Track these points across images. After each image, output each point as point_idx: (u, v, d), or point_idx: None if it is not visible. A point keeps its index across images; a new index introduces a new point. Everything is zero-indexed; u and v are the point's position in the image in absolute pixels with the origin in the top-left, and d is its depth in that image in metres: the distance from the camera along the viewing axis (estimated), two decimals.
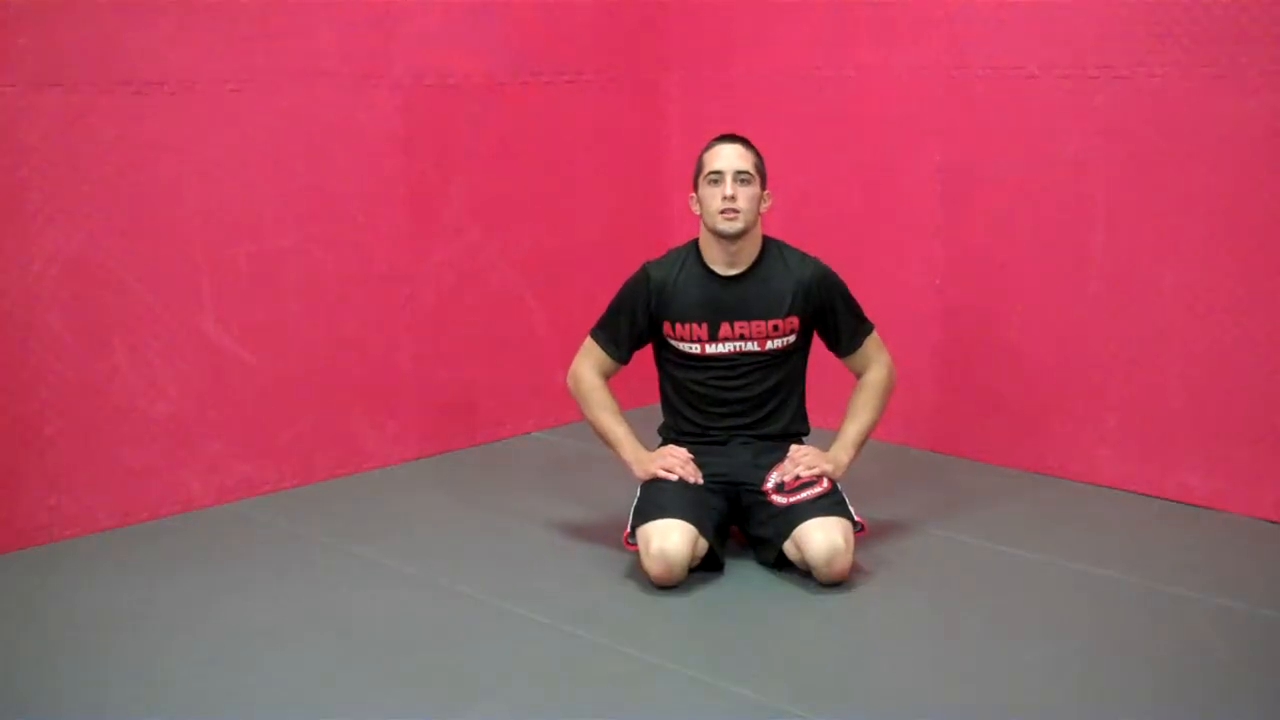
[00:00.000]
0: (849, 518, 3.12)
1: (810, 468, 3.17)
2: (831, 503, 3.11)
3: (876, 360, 3.33)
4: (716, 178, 3.17)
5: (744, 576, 3.17)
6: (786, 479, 3.14)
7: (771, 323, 3.21)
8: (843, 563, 3.04)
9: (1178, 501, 3.62)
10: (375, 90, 3.89)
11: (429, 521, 3.58)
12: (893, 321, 4.09)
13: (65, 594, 3.14)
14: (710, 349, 3.22)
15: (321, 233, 3.83)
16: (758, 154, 3.23)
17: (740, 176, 3.16)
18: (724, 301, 3.21)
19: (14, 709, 2.60)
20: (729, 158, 3.18)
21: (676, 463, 3.18)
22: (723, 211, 3.16)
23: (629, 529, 3.14)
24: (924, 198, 4.02)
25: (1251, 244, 3.43)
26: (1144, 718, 2.53)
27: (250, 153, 3.67)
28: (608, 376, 3.33)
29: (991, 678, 2.69)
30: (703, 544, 3.08)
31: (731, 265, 3.22)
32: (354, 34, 3.82)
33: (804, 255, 3.29)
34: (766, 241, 3.28)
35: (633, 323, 3.27)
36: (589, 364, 3.32)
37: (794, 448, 3.25)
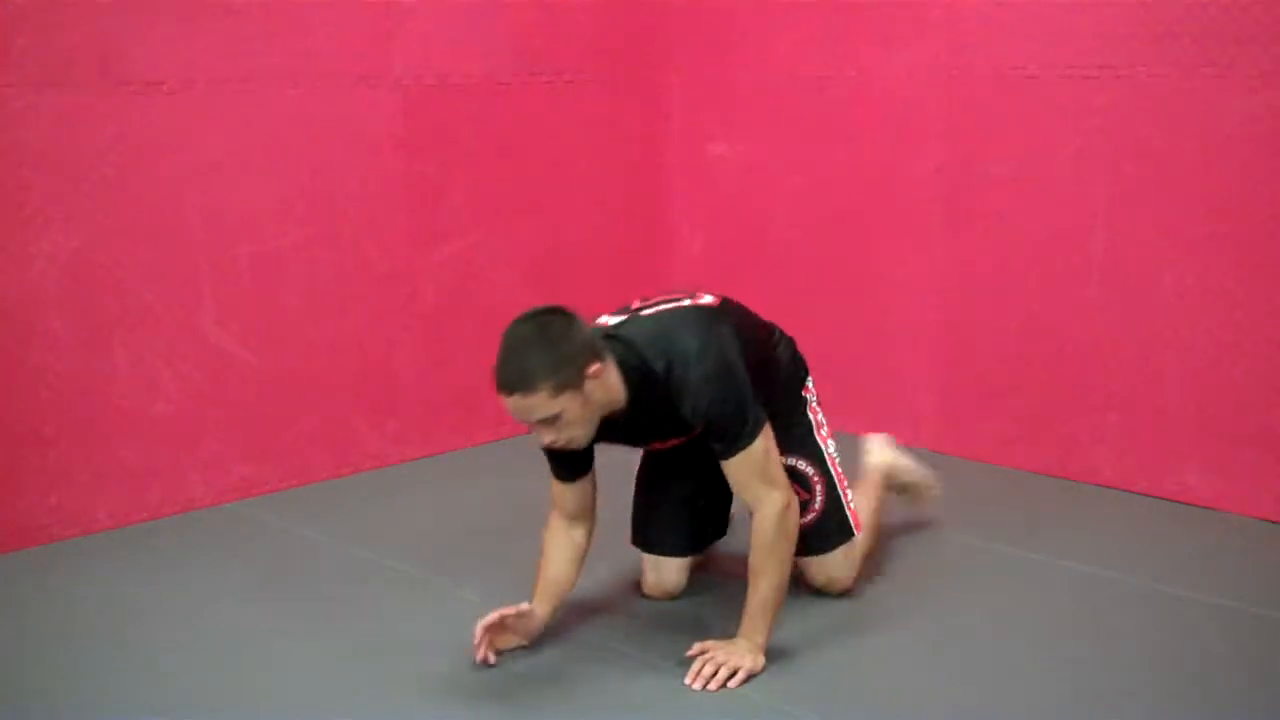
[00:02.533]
0: (849, 535, 3.00)
1: (728, 672, 2.65)
2: (832, 530, 2.99)
3: (759, 496, 2.67)
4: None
5: (744, 576, 3.17)
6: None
7: (681, 438, 2.85)
8: (842, 584, 3.03)
9: (1178, 501, 3.62)
10: (375, 90, 3.89)
11: (429, 521, 3.58)
12: (893, 321, 4.10)
13: (65, 594, 3.14)
14: (641, 448, 3.00)
15: (321, 233, 3.83)
16: (550, 375, 2.50)
17: (544, 420, 2.55)
18: (627, 432, 2.80)
19: (14, 709, 2.60)
20: (519, 412, 2.54)
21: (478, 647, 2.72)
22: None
23: (631, 533, 3.12)
24: (924, 198, 4.02)
25: (1251, 244, 3.43)
26: (1144, 718, 2.53)
27: (250, 153, 3.67)
28: (574, 508, 2.86)
29: (991, 677, 2.69)
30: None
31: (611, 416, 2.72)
32: (354, 34, 3.82)
33: (672, 365, 2.63)
34: (628, 374, 2.66)
35: (560, 457, 2.82)
36: (553, 505, 2.89)
37: (701, 657, 2.68)
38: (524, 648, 2.77)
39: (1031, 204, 3.81)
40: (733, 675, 2.64)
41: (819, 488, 2.96)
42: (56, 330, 3.38)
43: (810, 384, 3.06)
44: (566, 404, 2.53)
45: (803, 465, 2.95)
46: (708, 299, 2.84)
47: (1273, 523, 3.48)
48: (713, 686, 2.62)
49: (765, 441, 2.66)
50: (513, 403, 2.53)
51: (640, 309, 2.80)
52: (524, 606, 2.73)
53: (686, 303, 2.79)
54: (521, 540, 3.43)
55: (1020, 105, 3.78)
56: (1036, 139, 3.77)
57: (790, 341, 3.07)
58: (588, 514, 2.89)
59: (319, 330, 3.87)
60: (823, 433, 3.01)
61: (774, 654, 2.79)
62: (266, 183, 3.71)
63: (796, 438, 2.95)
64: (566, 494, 2.85)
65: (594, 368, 2.56)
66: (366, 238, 3.93)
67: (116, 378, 3.49)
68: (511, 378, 2.52)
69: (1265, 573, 3.18)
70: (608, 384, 2.62)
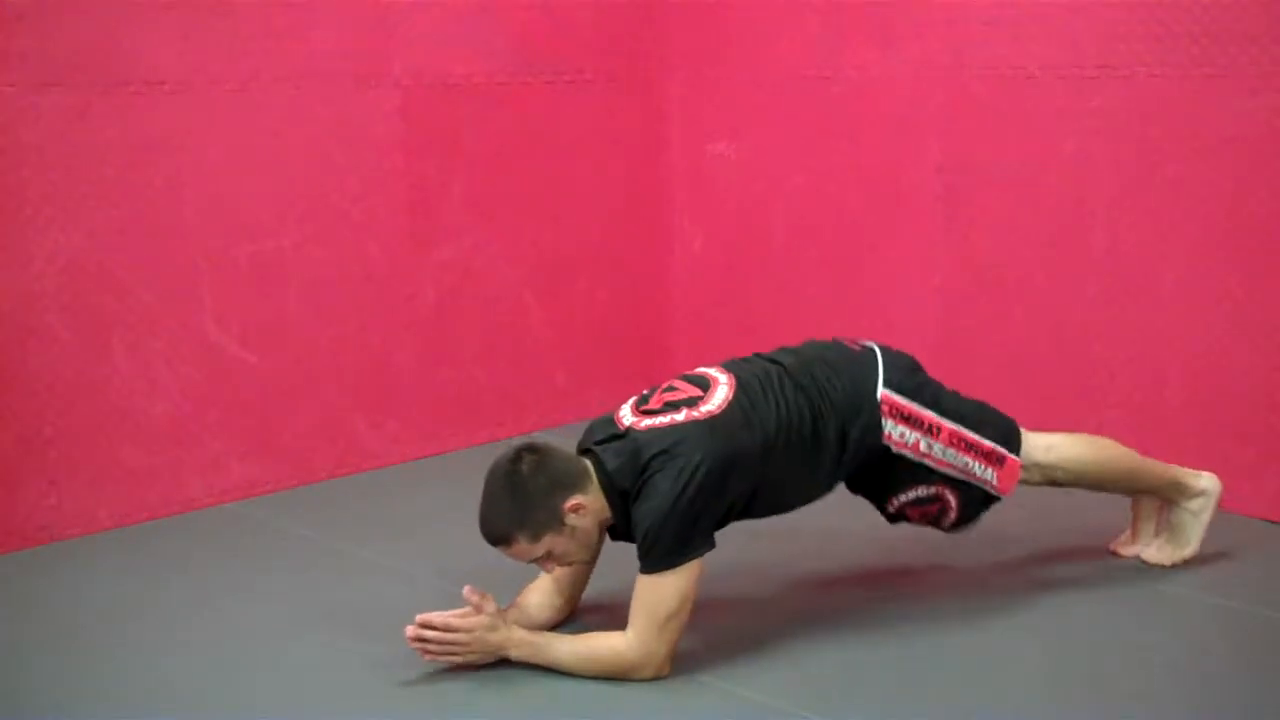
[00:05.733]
0: (994, 500, 2.99)
1: (453, 660, 2.66)
2: (975, 512, 3.01)
3: (632, 622, 2.63)
4: None
5: (744, 576, 3.17)
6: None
7: None
8: None
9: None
10: (375, 90, 3.89)
11: (429, 521, 3.58)
12: (892, 322, 4.09)
13: (65, 594, 3.14)
14: None
15: (321, 233, 3.83)
16: (523, 525, 2.60)
17: (537, 559, 2.66)
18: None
19: (14, 709, 2.60)
20: (511, 558, 2.68)
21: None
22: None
23: None
24: (924, 198, 4.02)
25: (1251, 244, 3.43)
26: (1143, 718, 2.53)
27: (250, 153, 3.67)
28: (558, 578, 2.87)
29: (991, 677, 2.69)
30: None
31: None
32: (354, 34, 3.82)
33: (640, 494, 2.64)
34: (610, 497, 2.69)
35: None
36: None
37: (453, 619, 2.65)
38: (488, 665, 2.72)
39: (1031, 204, 3.81)
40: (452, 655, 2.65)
41: (947, 497, 2.93)
42: (56, 330, 3.38)
43: (890, 430, 2.85)
44: (551, 543, 2.63)
45: (920, 491, 2.92)
46: (718, 397, 2.74)
47: (1273, 523, 3.48)
48: (427, 657, 2.64)
49: (673, 584, 2.60)
50: (500, 551, 2.67)
51: (643, 420, 2.73)
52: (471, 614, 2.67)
53: (683, 417, 2.70)
54: None
55: (1020, 105, 3.78)
56: (1036, 139, 3.77)
57: (859, 404, 2.85)
58: (576, 581, 2.89)
59: (319, 330, 3.87)
60: (923, 447, 2.88)
61: (776, 654, 2.79)
62: (266, 183, 3.71)
63: (902, 474, 2.90)
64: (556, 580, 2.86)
65: (571, 503, 2.62)
66: (366, 238, 3.93)
67: (116, 378, 3.49)
68: (491, 535, 2.66)
69: (1265, 573, 3.18)
70: (595, 509, 2.67)
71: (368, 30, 3.85)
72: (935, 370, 4.06)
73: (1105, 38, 3.60)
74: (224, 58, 3.58)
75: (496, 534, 2.64)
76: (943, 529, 3.01)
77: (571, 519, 2.63)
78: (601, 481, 2.69)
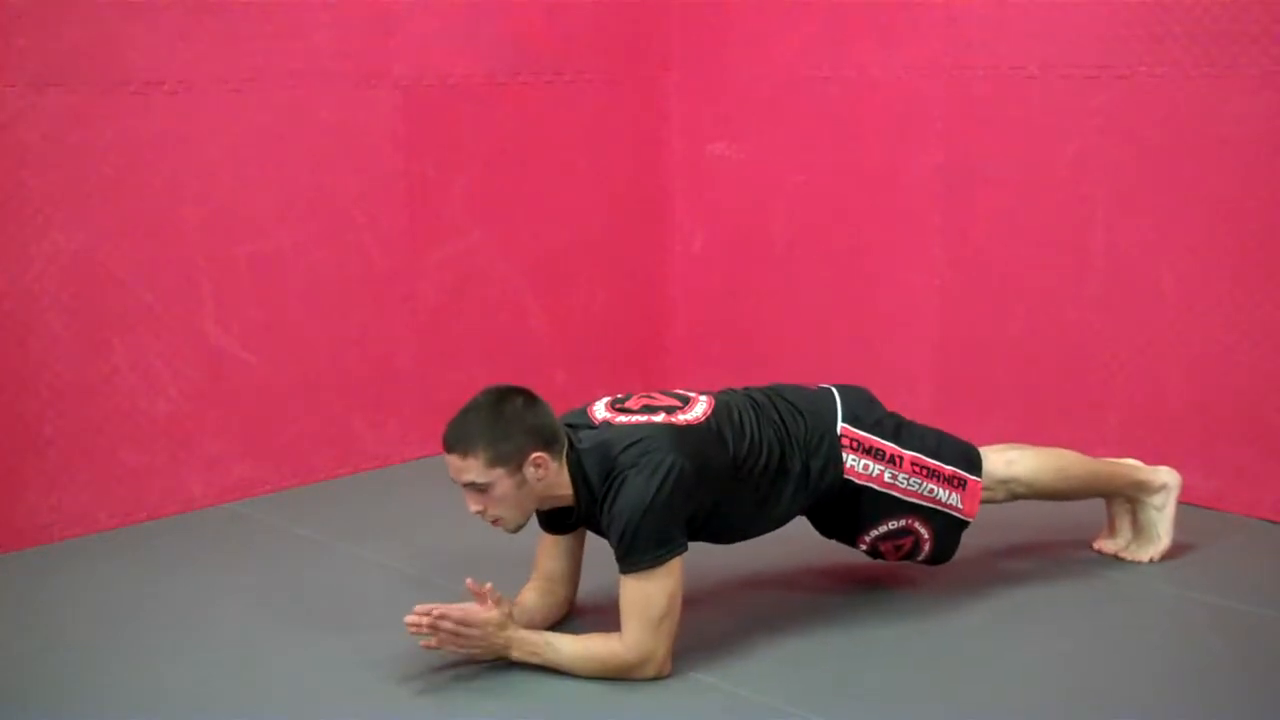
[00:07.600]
0: (965, 524, 3.01)
1: (457, 652, 2.66)
2: (954, 540, 3.04)
3: (625, 628, 2.64)
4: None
5: (744, 575, 3.17)
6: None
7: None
8: None
9: (1178, 502, 3.61)
10: (375, 90, 3.89)
11: (429, 521, 3.59)
12: (892, 321, 4.10)
13: (66, 593, 3.14)
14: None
15: (321, 233, 3.83)
16: (489, 444, 2.58)
17: (473, 486, 2.62)
18: (583, 523, 2.84)
19: (14, 709, 2.60)
20: (453, 471, 2.63)
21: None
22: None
23: None
24: (924, 198, 4.02)
25: (1252, 244, 3.43)
26: (1143, 718, 2.53)
27: (250, 153, 3.67)
28: (555, 569, 2.89)
29: (991, 677, 2.69)
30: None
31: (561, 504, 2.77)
32: (354, 34, 3.82)
33: (609, 490, 2.64)
34: (574, 479, 2.69)
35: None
36: (534, 569, 2.93)
37: (472, 614, 2.62)
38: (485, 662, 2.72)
39: (1031, 204, 3.81)
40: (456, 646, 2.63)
41: (918, 528, 2.96)
42: (56, 330, 3.38)
43: (852, 464, 2.88)
44: (498, 480, 2.61)
45: (890, 524, 2.95)
46: (697, 411, 2.78)
47: (1273, 523, 3.48)
48: (423, 644, 2.62)
49: (659, 585, 2.61)
50: (450, 460, 2.63)
51: (619, 416, 2.76)
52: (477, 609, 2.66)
53: (660, 419, 2.73)
54: (520, 539, 3.43)
55: (1020, 105, 3.78)
56: (1036, 139, 3.77)
57: (821, 439, 2.88)
58: (567, 579, 2.91)
59: (319, 330, 3.87)
60: (887, 478, 2.91)
61: (772, 653, 2.80)
62: (266, 183, 3.71)
63: (870, 507, 2.94)
64: (550, 550, 2.88)
65: (536, 455, 2.62)
66: (366, 238, 3.93)
67: (116, 378, 3.49)
68: (453, 437, 2.63)
69: (1265, 573, 3.18)
70: (550, 479, 2.66)
71: (368, 30, 3.85)
72: (935, 370, 4.07)
73: (1105, 38, 3.60)
74: (223, 57, 3.58)
75: (459, 437, 2.61)
76: (920, 561, 3.04)
77: (529, 471, 2.62)
78: (570, 458, 2.70)
